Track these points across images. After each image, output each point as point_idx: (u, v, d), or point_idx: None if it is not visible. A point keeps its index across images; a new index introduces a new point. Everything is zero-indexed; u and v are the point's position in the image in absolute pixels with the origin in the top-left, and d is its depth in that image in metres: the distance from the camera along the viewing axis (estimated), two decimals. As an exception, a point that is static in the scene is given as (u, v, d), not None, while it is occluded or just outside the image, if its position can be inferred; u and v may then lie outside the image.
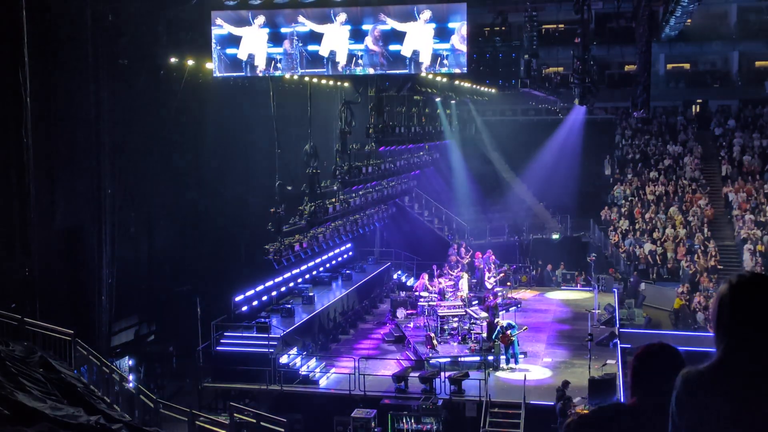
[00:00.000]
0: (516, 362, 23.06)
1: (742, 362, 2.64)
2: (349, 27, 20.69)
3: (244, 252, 27.67)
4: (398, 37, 20.38)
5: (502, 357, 23.24)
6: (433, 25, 20.15)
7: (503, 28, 27.20)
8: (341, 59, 20.88)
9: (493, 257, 30.34)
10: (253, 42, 21.40)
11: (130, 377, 20.29)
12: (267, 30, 21.26)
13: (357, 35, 20.68)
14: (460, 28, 20.13)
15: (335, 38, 20.81)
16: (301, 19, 21.04)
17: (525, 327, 23.80)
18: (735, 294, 2.72)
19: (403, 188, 35.58)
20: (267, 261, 23.05)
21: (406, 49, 20.38)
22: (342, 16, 20.68)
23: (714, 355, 2.73)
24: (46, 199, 20.83)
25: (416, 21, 20.26)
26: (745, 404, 2.59)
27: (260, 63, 21.47)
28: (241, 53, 21.40)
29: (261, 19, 21.28)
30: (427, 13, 20.16)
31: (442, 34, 20.14)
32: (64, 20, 21.33)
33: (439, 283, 27.18)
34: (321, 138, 26.80)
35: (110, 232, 22.39)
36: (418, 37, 20.26)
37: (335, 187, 26.21)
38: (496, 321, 23.95)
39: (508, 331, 23.10)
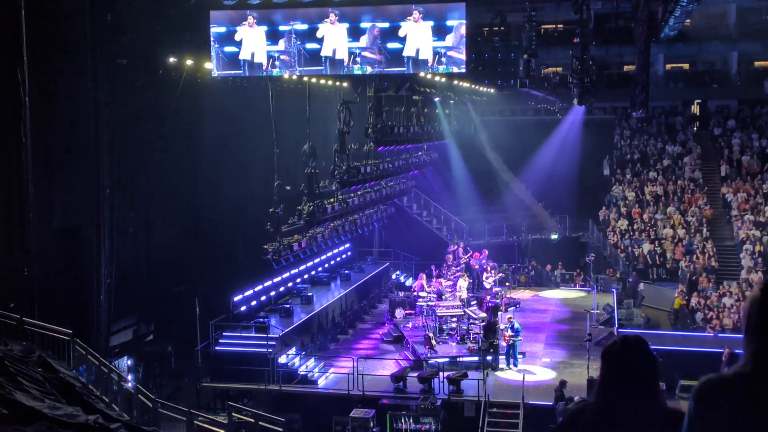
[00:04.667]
0: (515, 365, 23.08)
1: None
2: (347, 25, 20.63)
3: (243, 252, 27.64)
4: (397, 34, 20.31)
5: (502, 357, 23.26)
6: (431, 23, 20.07)
7: (502, 28, 27.26)
8: (341, 57, 20.80)
9: (480, 256, 30.42)
10: (253, 40, 21.35)
11: (129, 377, 20.27)
12: (265, 28, 21.21)
13: (355, 33, 20.62)
14: (458, 26, 20.07)
15: (334, 36, 20.74)
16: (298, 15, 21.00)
17: (521, 338, 23.88)
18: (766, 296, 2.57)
19: (401, 188, 35.56)
20: (266, 261, 23.06)
21: (405, 48, 20.29)
22: (333, 16, 20.56)
23: (741, 360, 2.55)
24: (45, 199, 20.79)
25: (413, 19, 20.15)
26: None
27: (260, 61, 21.43)
28: (244, 53, 21.33)
29: (258, 16, 21.22)
30: (416, 13, 20.02)
31: (441, 32, 20.07)
32: (63, 20, 21.29)
33: (440, 284, 27.17)
34: (320, 138, 26.79)
35: (109, 232, 22.35)
36: (417, 35, 20.19)
37: (334, 187, 26.20)
38: (508, 317, 23.98)
39: (509, 333, 23.13)
